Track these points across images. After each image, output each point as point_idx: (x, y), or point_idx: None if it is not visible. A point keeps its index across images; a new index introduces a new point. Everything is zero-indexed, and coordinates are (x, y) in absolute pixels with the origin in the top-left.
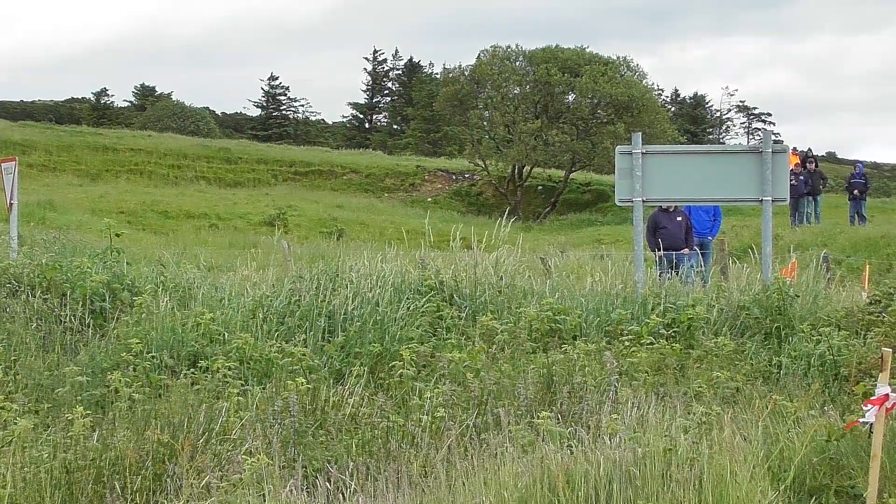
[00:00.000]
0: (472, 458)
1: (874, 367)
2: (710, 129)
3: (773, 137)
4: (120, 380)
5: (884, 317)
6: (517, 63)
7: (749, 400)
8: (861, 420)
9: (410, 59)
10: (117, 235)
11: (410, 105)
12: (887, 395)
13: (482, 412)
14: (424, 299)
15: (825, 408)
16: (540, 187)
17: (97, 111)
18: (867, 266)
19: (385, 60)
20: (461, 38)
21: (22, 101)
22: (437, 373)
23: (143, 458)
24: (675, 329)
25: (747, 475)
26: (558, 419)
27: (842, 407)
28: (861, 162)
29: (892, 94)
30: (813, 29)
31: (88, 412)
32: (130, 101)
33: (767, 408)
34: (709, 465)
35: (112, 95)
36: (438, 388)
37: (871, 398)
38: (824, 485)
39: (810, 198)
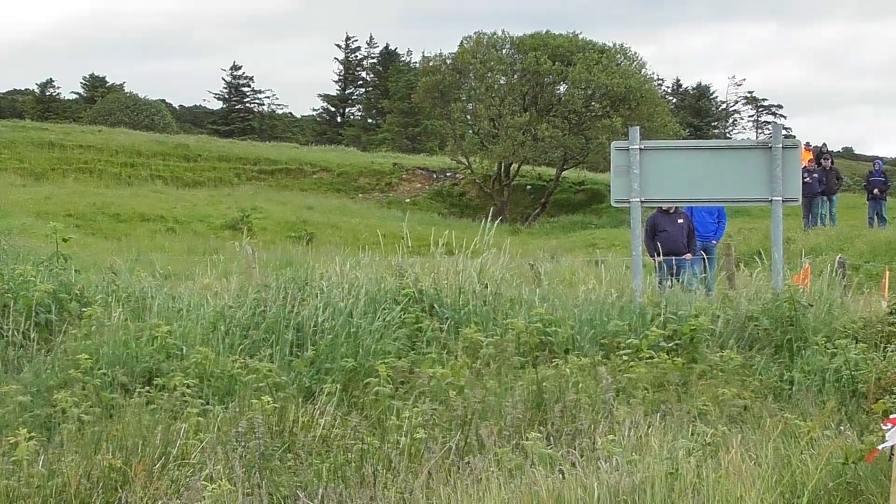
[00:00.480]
0: (454, 483)
1: (895, 384)
2: (716, 123)
3: (783, 132)
4: (67, 399)
5: None
6: (503, 51)
7: (758, 419)
8: (881, 446)
9: (386, 47)
10: (64, 240)
11: (386, 97)
12: None
13: (466, 433)
14: (402, 309)
15: (841, 427)
16: (528, 187)
17: (42, 104)
18: (887, 272)
19: (359, 48)
20: (442, 24)
21: None
22: (416, 390)
23: (93, 484)
24: (676, 342)
25: (757, 501)
26: (549, 440)
27: (860, 426)
28: (880, 158)
29: None
30: (827, 14)
31: (33, 435)
32: (79, 93)
33: (778, 427)
34: (715, 490)
35: (58, 87)
36: (418, 406)
37: (892, 417)
38: None
39: (825, 197)
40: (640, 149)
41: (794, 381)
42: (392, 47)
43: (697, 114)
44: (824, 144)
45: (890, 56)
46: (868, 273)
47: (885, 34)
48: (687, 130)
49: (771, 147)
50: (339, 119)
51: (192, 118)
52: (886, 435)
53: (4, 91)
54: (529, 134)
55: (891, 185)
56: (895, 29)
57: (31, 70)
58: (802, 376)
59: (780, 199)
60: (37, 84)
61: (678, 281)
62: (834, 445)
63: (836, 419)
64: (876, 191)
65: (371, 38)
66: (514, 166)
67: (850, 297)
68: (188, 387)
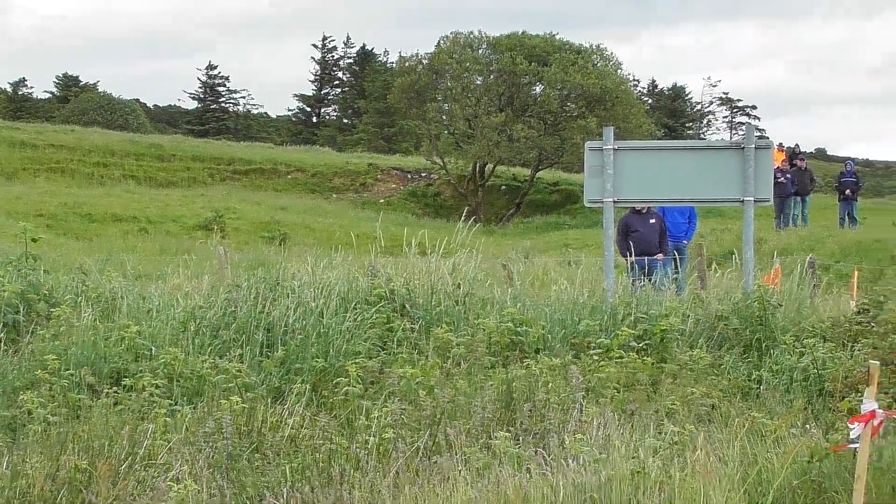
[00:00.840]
0: (422, 482)
1: (861, 382)
2: (690, 124)
3: (757, 133)
4: (34, 400)
5: (872, 327)
6: (480, 51)
7: (726, 418)
8: (850, 444)
9: (363, 47)
10: (34, 241)
11: (363, 97)
12: (874, 411)
13: (434, 433)
14: (374, 310)
15: (808, 426)
16: (503, 187)
17: (14, 103)
18: (856, 272)
19: (335, 48)
20: (420, 24)
21: None
22: (386, 390)
23: (58, 486)
24: (647, 342)
25: (722, 499)
26: (517, 440)
27: (826, 425)
28: (852, 159)
29: (886, 88)
30: (802, 17)
31: None
32: (51, 93)
33: (745, 426)
34: (680, 489)
35: (31, 87)
36: (387, 406)
37: (857, 415)
38: None
39: (798, 198)
40: (614, 149)
41: (762, 380)
42: (369, 48)
43: (673, 114)
44: (797, 145)
45: (866, 58)
46: (838, 273)
47: (862, 36)
48: (662, 131)
49: (743, 148)
50: (314, 119)
51: (167, 118)
52: (851, 433)
53: None
54: (505, 134)
55: (862, 187)
56: (872, 31)
57: (3, 69)
58: (771, 375)
59: (752, 199)
60: (9, 83)
61: (650, 281)
62: (800, 444)
63: (802, 418)
64: (847, 191)
65: (348, 38)
66: (489, 167)
67: (819, 296)
68: (156, 387)
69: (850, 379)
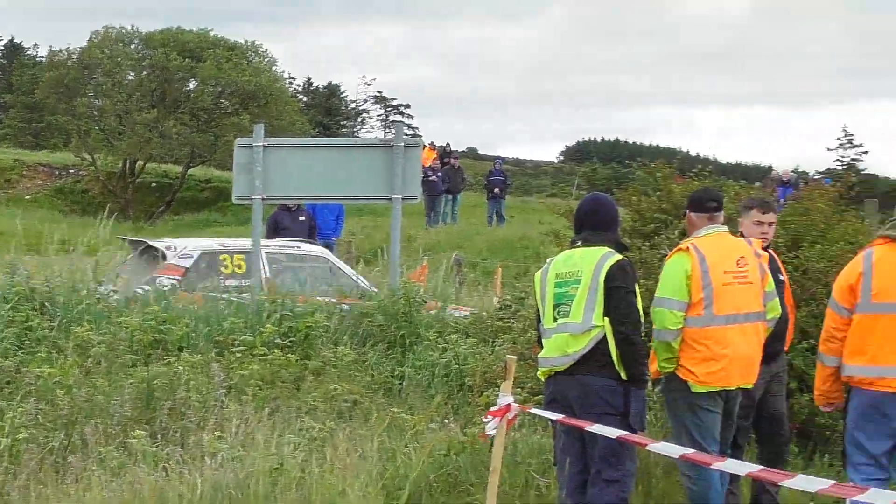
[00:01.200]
0: (52, 483)
1: (499, 377)
2: (346, 122)
3: (410, 131)
4: None
5: (513, 323)
6: (132, 46)
7: (367, 414)
8: (488, 433)
9: (11, 40)
10: None
11: (10, 92)
12: (509, 405)
13: (70, 432)
14: (10, 308)
15: (447, 420)
16: (154, 184)
17: None
18: (499, 269)
19: None
20: (75, 18)
21: None
22: (22, 390)
23: None
24: (292, 339)
25: (360, 494)
26: (157, 439)
27: (465, 419)
28: (501, 158)
29: (535, 89)
30: (455, 16)
31: None
32: None
33: (386, 422)
34: (319, 484)
35: None
36: (23, 406)
37: (492, 409)
38: (441, 503)
39: (449, 196)
40: (264, 146)
41: (405, 376)
42: (17, 41)
43: (328, 112)
44: (448, 144)
45: (514, 59)
46: (485, 270)
47: (511, 37)
48: (316, 129)
49: (392, 146)
50: None
51: None
52: (487, 427)
53: None
54: (157, 131)
55: (510, 185)
56: (520, 32)
57: None
58: (413, 371)
59: (400, 196)
60: None
61: None
62: (438, 438)
63: (442, 413)
64: (496, 190)
65: None
66: (140, 163)
67: (464, 293)
68: None
69: (489, 374)
